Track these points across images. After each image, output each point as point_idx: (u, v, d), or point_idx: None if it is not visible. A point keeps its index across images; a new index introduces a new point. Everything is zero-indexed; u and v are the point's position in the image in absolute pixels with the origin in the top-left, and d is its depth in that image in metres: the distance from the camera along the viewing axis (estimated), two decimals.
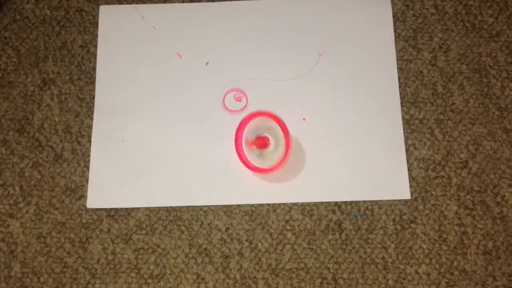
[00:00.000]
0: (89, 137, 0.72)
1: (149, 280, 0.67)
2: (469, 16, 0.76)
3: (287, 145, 0.67)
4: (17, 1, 0.77)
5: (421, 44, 0.75)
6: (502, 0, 0.76)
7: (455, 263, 0.66)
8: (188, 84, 0.74)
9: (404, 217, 0.68)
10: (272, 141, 0.68)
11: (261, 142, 0.68)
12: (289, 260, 0.67)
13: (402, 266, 0.67)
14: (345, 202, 0.69)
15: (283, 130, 0.67)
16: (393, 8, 0.76)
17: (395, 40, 0.75)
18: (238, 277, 0.67)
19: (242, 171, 0.69)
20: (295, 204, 0.69)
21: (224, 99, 0.73)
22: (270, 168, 0.68)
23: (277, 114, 0.68)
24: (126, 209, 0.69)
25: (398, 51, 0.74)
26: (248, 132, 0.68)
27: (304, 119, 0.72)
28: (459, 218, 0.68)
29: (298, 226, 0.68)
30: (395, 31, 0.75)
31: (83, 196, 0.70)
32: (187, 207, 0.69)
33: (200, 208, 0.69)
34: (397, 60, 0.74)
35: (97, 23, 0.76)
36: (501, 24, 0.75)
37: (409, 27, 0.76)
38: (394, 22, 0.76)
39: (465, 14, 0.76)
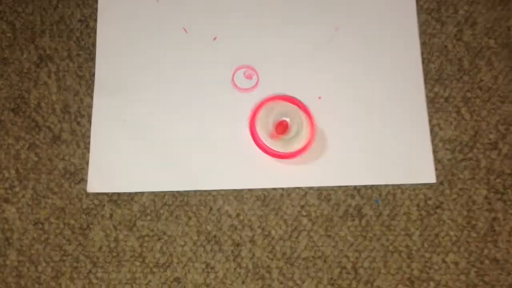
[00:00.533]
0: (89, 116, 0.67)
1: (154, 269, 0.62)
2: None
3: (312, 128, 0.63)
4: None
5: (446, 17, 0.70)
6: None
7: (485, 251, 0.62)
8: (194, 61, 0.69)
9: (429, 202, 0.63)
10: (293, 126, 0.64)
11: (282, 128, 0.64)
12: (305, 248, 0.62)
13: (427, 255, 0.62)
14: (365, 186, 0.64)
15: (305, 112, 0.64)
16: None
17: (418, 13, 0.70)
18: (250, 266, 0.62)
19: (254, 153, 0.65)
20: (311, 188, 0.64)
21: (233, 76, 0.68)
22: (294, 153, 0.63)
23: (293, 96, 0.65)
24: (130, 193, 0.64)
25: (420, 24, 0.69)
26: (263, 117, 0.64)
27: (319, 98, 0.67)
28: (489, 203, 0.63)
29: (315, 211, 0.64)
30: (417, 3, 0.70)
31: (83, 180, 0.65)
32: (195, 191, 0.64)
33: (209, 192, 0.64)
34: (420, 34, 0.69)
35: None
36: None
37: None
38: None
39: None
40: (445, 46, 0.69)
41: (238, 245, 0.63)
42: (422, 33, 0.69)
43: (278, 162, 0.65)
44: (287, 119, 0.64)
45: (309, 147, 0.63)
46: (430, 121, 0.66)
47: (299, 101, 0.65)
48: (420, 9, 0.70)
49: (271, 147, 0.63)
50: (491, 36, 0.69)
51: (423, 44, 0.69)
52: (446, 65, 0.68)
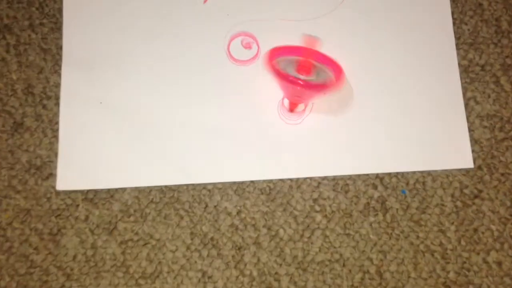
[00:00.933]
0: (57, 98, 0.56)
1: (140, 281, 0.52)
2: None
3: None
4: None
5: None
6: None
7: None
8: (182, 28, 0.59)
9: (466, 191, 0.54)
10: (313, 69, 0.54)
11: (306, 68, 0.54)
12: (320, 250, 0.53)
13: (465, 254, 0.53)
14: (389, 174, 0.55)
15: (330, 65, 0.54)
16: None
17: None
18: (255, 273, 0.52)
19: (256, 138, 0.55)
20: (325, 178, 0.55)
21: (229, 46, 0.58)
22: (333, 81, 0.53)
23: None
24: (109, 190, 0.54)
25: None
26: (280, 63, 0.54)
27: None
28: None
29: (330, 206, 0.54)
30: None
31: (52, 175, 0.55)
32: (187, 185, 0.55)
33: (204, 186, 0.55)
34: None
35: None
36: None
37: None
38: None
39: None
40: (480, 4, 0.59)
41: (240, 248, 0.53)
42: None
43: (284, 150, 0.54)
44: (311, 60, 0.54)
45: (342, 75, 0.54)
46: (464, 94, 0.56)
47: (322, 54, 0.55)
48: None
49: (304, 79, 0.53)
50: None
51: (453, 2, 0.58)
52: (482, 26, 0.58)
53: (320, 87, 0.53)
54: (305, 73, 0.54)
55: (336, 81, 0.53)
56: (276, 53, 0.54)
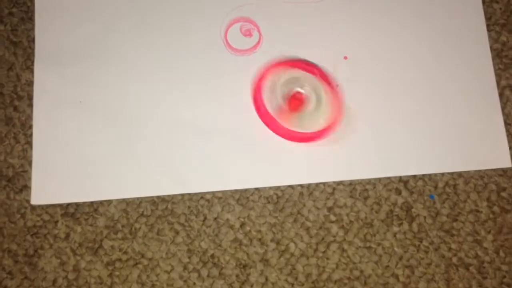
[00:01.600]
0: (30, 98, 0.51)
1: None
2: None
3: (337, 100, 0.49)
4: None
5: None
6: None
7: None
8: (171, 14, 0.52)
9: (504, 194, 0.48)
10: (310, 98, 0.50)
11: (296, 103, 0.50)
12: (337, 267, 0.47)
13: (505, 267, 0.47)
14: (414, 177, 0.49)
15: (324, 81, 0.49)
16: None
17: None
18: None
19: (260, 139, 0.50)
20: (341, 183, 0.49)
21: (226, 33, 0.52)
22: (317, 133, 0.49)
23: (307, 59, 0.50)
24: (92, 203, 0.48)
25: None
26: (270, 88, 0.50)
27: (345, 58, 0.51)
28: None
29: (347, 215, 0.48)
30: None
31: (26, 187, 0.49)
32: (182, 195, 0.48)
33: (202, 196, 0.48)
34: None
35: None
36: None
37: None
38: None
39: None
40: None
41: (245, 266, 0.47)
42: None
43: (294, 148, 0.49)
44: (302, 90, 0.50)
45: (335, 125, 0.49)
46: (498, 82, 0.50)
47: (316, 65, 0.51)
48: None
49: (286, 126, 0.48)
50: None
51: None
52: None
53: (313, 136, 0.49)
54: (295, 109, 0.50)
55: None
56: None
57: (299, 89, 0.50)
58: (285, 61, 0.50)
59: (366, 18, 0.52)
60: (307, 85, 0.50)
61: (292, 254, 0.47)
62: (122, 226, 0.48)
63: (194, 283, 0.47)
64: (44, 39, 0.51)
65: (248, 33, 0.52)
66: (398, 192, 0.48)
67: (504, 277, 0.46)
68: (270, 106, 0.49)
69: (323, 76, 0.50)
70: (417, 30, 0.52)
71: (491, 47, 0.51)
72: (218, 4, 0.52)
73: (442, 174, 0.48)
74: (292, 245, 0.47)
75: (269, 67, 0.50)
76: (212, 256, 0.47)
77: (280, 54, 0.51)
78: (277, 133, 0.49)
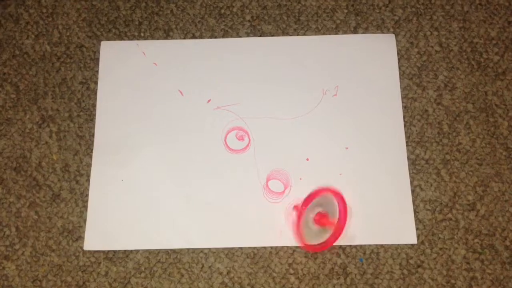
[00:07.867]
0: (88, 176, 0.70)
1: None
2: (475, 54, 0.75)
3: (345, 209, 0.66)
4: (16, 36, 0.76)
5: (426, 82, 0.74)
6: (507, 38, 0.75)
7: None
8: (189, 122, 0.73)
9: (411, 261, 0.66)
10: (330, 214, 0.66)
11: (324, 221, 0.65)
12: None
13: None
14: (350, 246, 0.67)
15: (340, 206, 0.66)
16: (397, 46, 0.75)
17: (400, 78, 0.74)
18: None
19: (243, 212, 0.68)
20: (299, 246, 0.67)
21: (226, 138, 0.72)
22: (325, 245, 0.66)
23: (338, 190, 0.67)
24: (125, 251, 0.67)
25: (402, 89, 0.73)
26: (306, 219, 0.66)
27: (307, 159, 0.71)
28: (467, 263, 0.66)
29: (302, 269, 0.66)
30: (399, 68, 0.74)
31: (81, 238, 0.68)
32: (188, 249, 0.67)
33: (201, 250, 0.67)
34: (402, 98, 0.73)
35: (97, 59, 0.75)
36: (507, 62, 0.74)
37: (413, 65, 0.74)
38: (399, 60, 0.75)
39: (470, 52, 0.75)
40: (426, 110, 0.73)
41: None
42: (404, 97, 0.73)
43: (266, 222, 0.68)
44: (324, 210, 0.66)
45: (341, 230, 0.66)
46: (411, 182, 0.70)
47: (341, 195, 0.66)
48: (402, 74, 0.74)
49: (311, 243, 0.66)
50: (469, 100, 0.73)
51: (405, 107, 0.73)
52: (427, 128, 0.72)
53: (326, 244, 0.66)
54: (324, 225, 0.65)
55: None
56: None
57: (322, 210, 0.65)
58: (316, 192, 0.64)
59: (319, 134, 0.71)
60: (326, 204, 0.65)
61: None
62: (145, 268, 0.67)
63: None
64: (101, 135, 0.71)
65: (241, 138, 0.72)
66: (338, 255, 0.67)
67: None
68: (304, 230, 0.64)
69: (343, 204, 0.65)
70: (356, 143, 0.70)
71: (408, 157, 0.70)
72: (222, 117, 0.72)
73: (369, 244, 0.67)
74: None
75: (306, 200, 0.64)
76: None
77: (265, 155, 0.70)
78: (302, 243, 0.64)
